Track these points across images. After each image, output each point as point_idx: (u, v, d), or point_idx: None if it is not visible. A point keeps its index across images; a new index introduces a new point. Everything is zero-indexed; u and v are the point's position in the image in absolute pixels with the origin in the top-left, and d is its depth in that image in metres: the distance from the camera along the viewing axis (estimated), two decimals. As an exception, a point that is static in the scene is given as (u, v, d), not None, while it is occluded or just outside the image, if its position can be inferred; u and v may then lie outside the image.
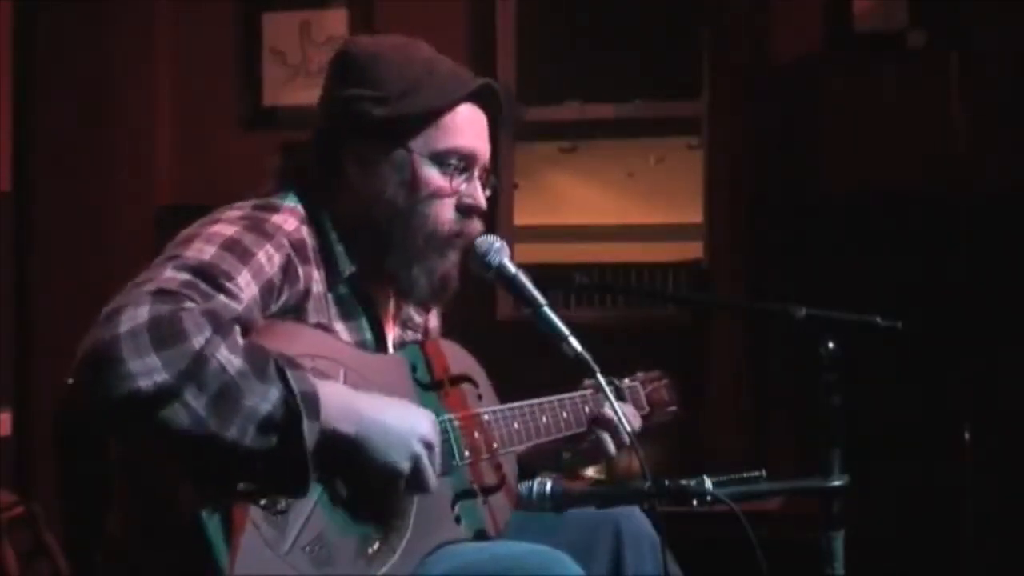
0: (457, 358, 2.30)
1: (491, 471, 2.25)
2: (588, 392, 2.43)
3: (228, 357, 1.82)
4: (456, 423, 2.19)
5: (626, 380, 2.60)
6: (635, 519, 2.30)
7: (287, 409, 1.85)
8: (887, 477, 3.72)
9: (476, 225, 2.20)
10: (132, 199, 4.67)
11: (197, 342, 1.80)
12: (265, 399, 1.83)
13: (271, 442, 1.85)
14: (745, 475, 2.04)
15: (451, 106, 2.17)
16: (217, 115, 4.74)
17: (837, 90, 4.15)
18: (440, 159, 2.16)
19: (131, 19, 4.70)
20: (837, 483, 2.18)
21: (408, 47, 2.21)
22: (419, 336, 2.34)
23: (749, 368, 4.20)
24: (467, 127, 2.18)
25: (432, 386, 2.22)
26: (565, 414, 2.39)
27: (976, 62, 4.04)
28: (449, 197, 2.16)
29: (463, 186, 2.18)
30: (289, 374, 1.86)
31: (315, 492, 1.95)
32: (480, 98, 2.21)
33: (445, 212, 2.16)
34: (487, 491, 2.24)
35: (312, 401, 1.88)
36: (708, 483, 1.99)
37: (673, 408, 2.68)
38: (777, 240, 4.22)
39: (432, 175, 2.15)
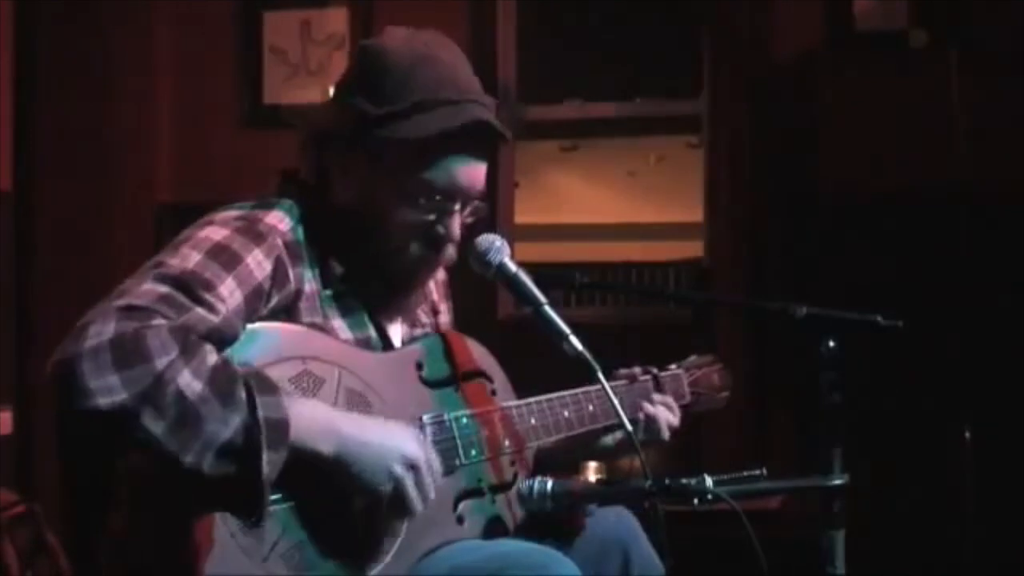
0: (477, 352, 2.28)
1: (509, 467, 2.24)
2: (621, 383, 2.40)
3: (189, 381, 1.80)
4: (466, 420, 2.18)
5: (672, 367, 2.56)
6: (642, 543, 2.30)
7: (247, 437, 1.83)
8: (887, 477, 3.72)
9: (448, 255, 2.18)
10: (133, 198, 4.67)
11: (159, 363, 1.79)
12: (225, 425, 1.81)
13: (230, 469, 1.83)
14: (746, 474, 2.05)
15: (441, 136, 2.10)
16: (218, 114, 4.73)
17: (838, 89, 4.15)
18: (418, 188, 2.12)
19: (131, 18, 4.69)
20: (837, 482, 2.18)
21: (425, 58, 2.14)
22: (428, 332, 2.32)
23: (749, 367, 4.20)
24: (454, 163, 2.12)
25: (444, 382, 2.21)
26: (591, 407, 2.36)
27: (977, 61, 4.04)
28: (420, 227, 2.14)
29: (436, 217, 2.13)
30: (258, 400, 1.84)
31: (286, 512, 1.94)
32: (473, 131, 2.13)
33: (414, 241, 2.14)
34: (506, 487, 2.22)
35: (278, 428, 1.85)
36: (709, 482, 1.99)
37: (725, 394, 2.64)
38: (777, 238, 4.22)
39: (406, 205, 2.12)
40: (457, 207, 2.14)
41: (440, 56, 2.16)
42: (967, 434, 3.83)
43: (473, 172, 2.15)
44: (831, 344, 2.24)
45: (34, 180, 4.65)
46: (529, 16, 4.70)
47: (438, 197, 2.12)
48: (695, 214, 4.67)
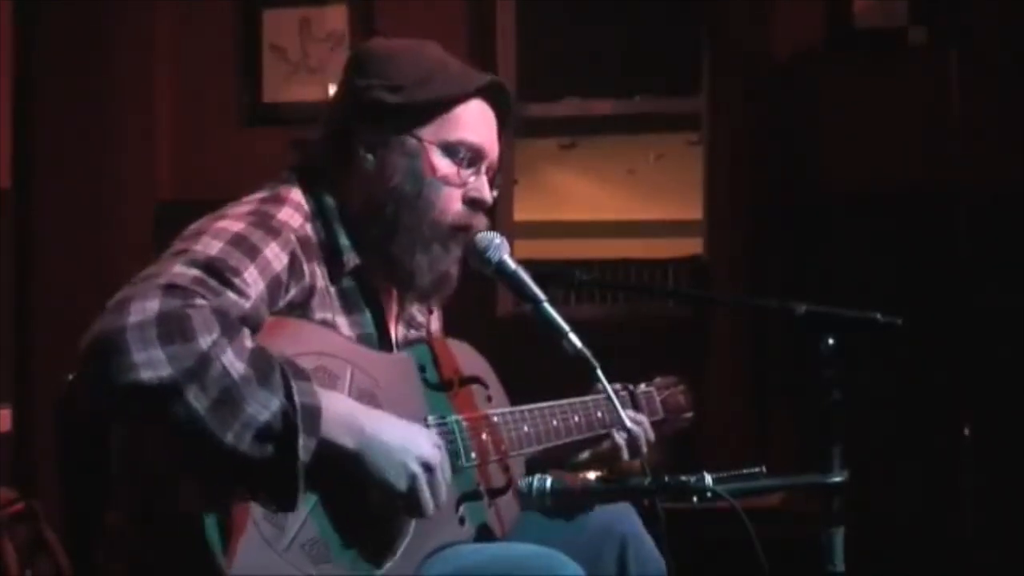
0: (467, 359, 2.29)
1: (499, 473, 2.25)
2: (601, 396, 2.40)
3: (232, 361, 1.82)
4: (464, 424, 2.18)
5: (641, 386, 2.59)
6: (639, 533, 2.30)
7: (285, 421, 1.84)
8: (887, 475, 3.72)
9: (481, 220, 2.21)
10: (132, 196, 4.67)
11: (204, 342, 1.80)
12: (265, 408, 1.83)
13: (267, 451, 1.85)
14: (745, 471, 2.05)
15: (463, 98, 2.18)
16: (217, 111, 4.73)
17: (837, 87, 4.16)
18: (450, 149, 2.17)
19: (131, 17, 4.69)
20: (837, 479, 2.18)
21: (423, 46, 2.24)
22: (423, 335, 2.34)
23: (749, 364, 4.20)
24: (477, 122, 2.20)
25: (441, 386, 2.22)
26: (576, 418, 2.38)
27: (976, 60, 4.04)
28: (456, 187, 2.18)
29: (471, 179, 2.19)
30: (294, 385, 1.86)
31: (313, 495, 1.95)
32: (491, 94, 2.23)
33: (452, 202, 2.18)
34: (495, 493, 2.23)
35: (313, 415, 1.87)
36: (708, 479, 1.99)
37: (690, 414, 2.68)
38: (777, 236, 4.22)
39: (441, 163, 2.17)
40: (484, 168, 2.20)
41: (433, 45, 2.26)
42: (967, 433, 3.83)
43: (493, 132, 2.22)
44: (830, 342, 2.23)
45: (34, 179, 4.65)
46: (529, 12, 4.69)
47: (466, 153, 2.17)
48: (694, 211, 4.67)
